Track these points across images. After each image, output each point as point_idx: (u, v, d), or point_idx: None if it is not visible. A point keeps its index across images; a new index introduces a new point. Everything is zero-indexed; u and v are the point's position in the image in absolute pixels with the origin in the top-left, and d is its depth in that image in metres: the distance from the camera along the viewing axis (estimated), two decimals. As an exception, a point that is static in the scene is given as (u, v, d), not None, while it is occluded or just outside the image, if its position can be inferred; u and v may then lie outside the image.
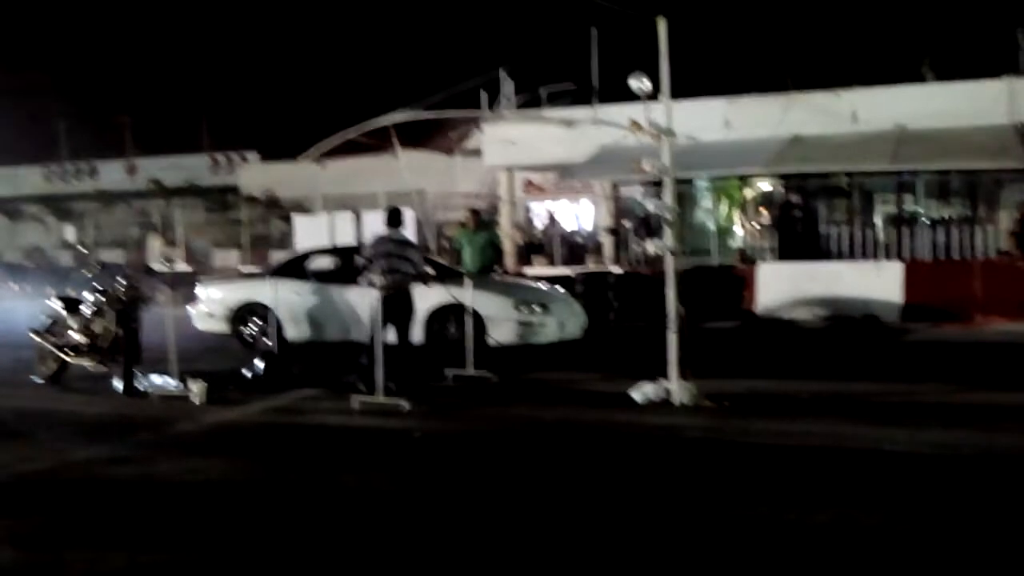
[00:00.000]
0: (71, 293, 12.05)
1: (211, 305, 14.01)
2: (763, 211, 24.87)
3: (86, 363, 11.19)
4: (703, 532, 5.62)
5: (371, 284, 10.45)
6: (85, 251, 21.64)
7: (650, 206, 9.55)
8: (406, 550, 5.45)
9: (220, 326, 13.89)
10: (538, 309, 12.57)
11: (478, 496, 6.52)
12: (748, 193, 24.94)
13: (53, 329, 11.63)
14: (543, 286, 14.09)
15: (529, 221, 26.67)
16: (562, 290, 14.28)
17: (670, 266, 9.54)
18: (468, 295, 11.74)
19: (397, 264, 10.46)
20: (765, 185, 24.94)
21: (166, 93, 46.89)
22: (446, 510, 6.20)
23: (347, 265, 13.11)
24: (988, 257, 17.98)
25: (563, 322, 12.73)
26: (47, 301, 12.01)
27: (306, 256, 14.48)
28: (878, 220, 22.85)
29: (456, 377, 11.19)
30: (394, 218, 10.86)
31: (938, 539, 5.40)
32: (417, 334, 11.81)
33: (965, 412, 8.85)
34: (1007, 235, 19.60)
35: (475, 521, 5.95)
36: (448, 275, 12.70)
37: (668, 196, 9.59)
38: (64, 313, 11.56)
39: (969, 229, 20.97)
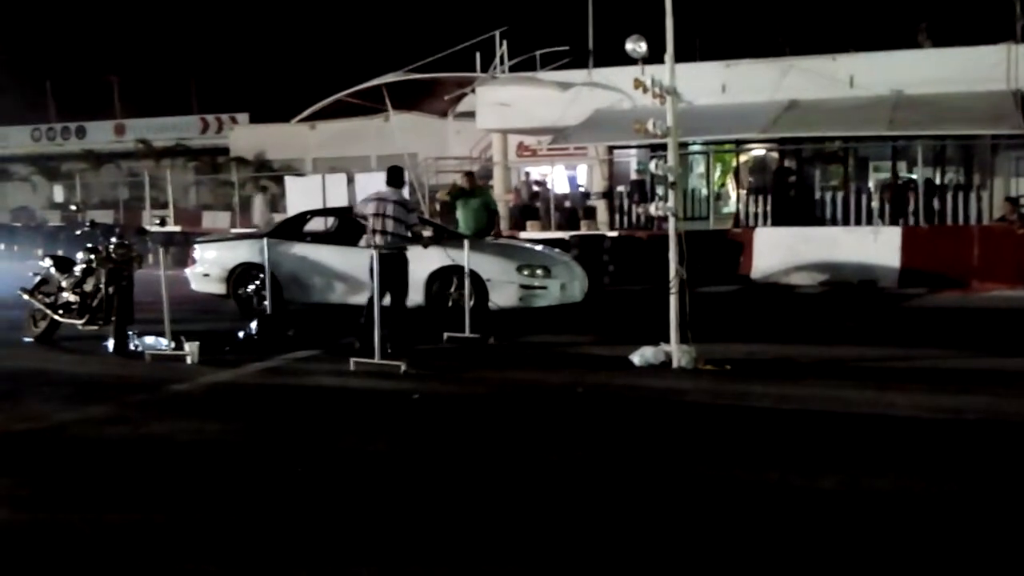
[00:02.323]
0: (61, 253, 11.88)
1: (207, 266, 13.84)
2: (755, 177, 24.76)
3: (77, 322, 11.04)
4: (710, 497, 5.54)
5: (368, 244, 10.32)
6: (76, 209, 21.39)
7: (654, 167, 9.39)
8: (406, 512, 5.36)
9: (216, 287, 13.73)
10: (541, 272, 12.40)
11: (478, 458, 6.43)
12: (742, 158, 24.82)
13: (43, 288, 11.49)
14: (544, 249, 13.92)
15: (528, 185, 26.46)
16: (558, 251, 14.13)
17: (672, 228, 9.41)
18: (466, 257, 11.61)
19: (392, 225, 10.32)
20: (759, 150, 24.82)
21: (156, 54, 46.45)
22: (446, 472, 6.11)
23: (345, 226, 12.97)
24: (986, 223, 17.89)
25: (565, 285, 12.56)
26: (38, 261, 11.85)
27: (304, 217, 14.32)
28: (872, 186, 22.74)
29: (452, 339, 11.09)
30: (395, 177, 10.72)
31: (945, 504, 5.33)
32: (418, 296, 11.68)
33: (967, 377, 8.79)
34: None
35: (474, 482, 5.87)
36: (448, 237, 12.54)
37: (672, 157, 9.45)
38: (54, 272, 11.41)
39: (964, 195, 20.97)
